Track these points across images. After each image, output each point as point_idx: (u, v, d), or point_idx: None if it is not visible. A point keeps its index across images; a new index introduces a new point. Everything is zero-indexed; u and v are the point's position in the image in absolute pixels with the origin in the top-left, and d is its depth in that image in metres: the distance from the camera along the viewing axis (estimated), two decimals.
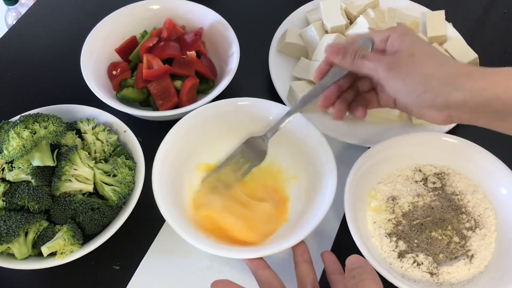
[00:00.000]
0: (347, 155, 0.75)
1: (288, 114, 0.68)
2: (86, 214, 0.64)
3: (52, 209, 0.64)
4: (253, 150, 0.70)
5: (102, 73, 0.82)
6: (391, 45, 0.59)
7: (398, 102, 0.62)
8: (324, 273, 0.67)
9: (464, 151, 0.71)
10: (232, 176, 0.70)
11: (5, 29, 1.17)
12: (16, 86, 0.86)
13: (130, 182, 0.66)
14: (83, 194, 0.66)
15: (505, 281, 0.61)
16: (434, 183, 0.71)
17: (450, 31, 0.88)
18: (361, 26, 0.81)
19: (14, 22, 1.06)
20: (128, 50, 0.84)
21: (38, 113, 0.67)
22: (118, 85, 0.81)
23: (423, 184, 0.71)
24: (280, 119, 0.69)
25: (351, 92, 0.66)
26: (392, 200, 0.70)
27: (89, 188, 0.66)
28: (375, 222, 0.68)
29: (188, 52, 0.80)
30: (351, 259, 0.54)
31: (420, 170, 0.72)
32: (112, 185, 0.66)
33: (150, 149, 0.68)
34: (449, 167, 0.72)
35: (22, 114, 0.68)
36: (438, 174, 0.72)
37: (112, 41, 0.84)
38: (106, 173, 0.67)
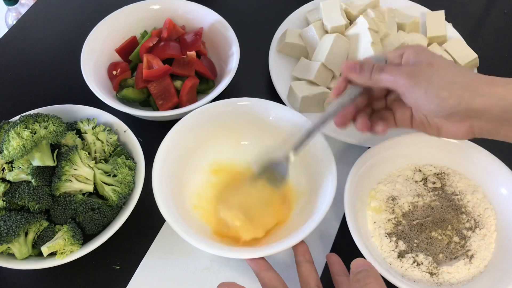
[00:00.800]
0: (347, 155, 0.75)
1: (308, 135, 0.63)
2: (86, 214, 0.64)
3: (52, 209, 0.65)
4: (274, 174, 0.68)
5: (102, 73, 0.82)
6: (407, 59, 0.58)
7: (416, 115, 0.61)
8: (324, 272, 0.67)
9: (464, 151, 0.71)
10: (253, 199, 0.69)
11: (5, 29, 1.17)
12: (16, 86, 0.86)
13: (130, 182, 0.66)
14: (83, 194, 0.66)
15: (505, 281, 0.61)
16: (434, 183, 0.71)
17: (450, 31, 0.88)
18: (361, 26, 0.81)
19: (14, 22, 1.06)
20: (128, 50, 0.84)
21: (38, 113, 0.67)
22: (118, 85, 0.81)
23: (423, 184, 0.71)
24: (299, 140, 0.64)
25: (368, 109, 0.65)
26: (392, 200, 0.70)
27: (89, 188, 0.66)
28: (375, 222, 0.68)
29: (188, 52, 0.80)
30: (356, 263, 0.54)
31: (420, 170, 0.72)
32: (112, 185, 0.66)
33: (150, 149, 0.68)
34: (449, 167, 0.72)
35: (22, 114, 0.68)
36: (438, 174, 0.72)
37: (112, 41, 0.84)
38: (106, 173, 0.67)
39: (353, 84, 0.62)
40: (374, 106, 0.65)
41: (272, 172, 0.68)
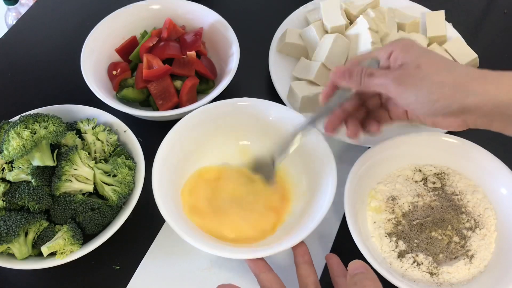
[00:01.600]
0: (347, 155, 0.75)
1: (293, 135, 0.65)
2: (86, 214, 0.64)
3: (52, 209, 0.65)
4: (261, 173, 0.69)
5: (102, 73, 0.82)
6: (395, 60, 0.57)
7: (411, 113, 0.62)
8: (323, 273, 0.67)
9: (464, 151, 0.71)
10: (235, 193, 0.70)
11: (5, 29, 1.17)
12: (16, 86, 0.86)
13: (130, 182, 0.66)
14: (83, 194, 0.66)
15: (505, 281, 0.61)
16: (434, 183, 0.71)
17: (450, 31, 0.88)
18: (361, 26, 0.81)
19: (14, 22, 1.06)
20: (128, 50, 0.84)
21: (38, 113, 0.67)
22: (118, 85, 0.81)
23: (423, 184, 0.71)
24: (286, 141, 0.65)
25: (362, 110, 0.65)
26: (392, 200, 0.70)
27: (89, 188, 0.66)
28: (375, 222, 0.68)
29: (188, 52, 0.80)
30: (353, 265, 0.54)
31: (420, 170, 0.72)
32: (112, 185, 0.66)
33: (150, 149, 0.68)
34: (449, 167, 0.72)
35: (22, 114, 0.68)
36: (438, 174, 0.72)
37: (112, 41, 0.84)
38: (106, 173, 0.67)
39: (342, 88, 0.61)
40: (369, 104, 0.65)
41: (261, 173, 0.69)
